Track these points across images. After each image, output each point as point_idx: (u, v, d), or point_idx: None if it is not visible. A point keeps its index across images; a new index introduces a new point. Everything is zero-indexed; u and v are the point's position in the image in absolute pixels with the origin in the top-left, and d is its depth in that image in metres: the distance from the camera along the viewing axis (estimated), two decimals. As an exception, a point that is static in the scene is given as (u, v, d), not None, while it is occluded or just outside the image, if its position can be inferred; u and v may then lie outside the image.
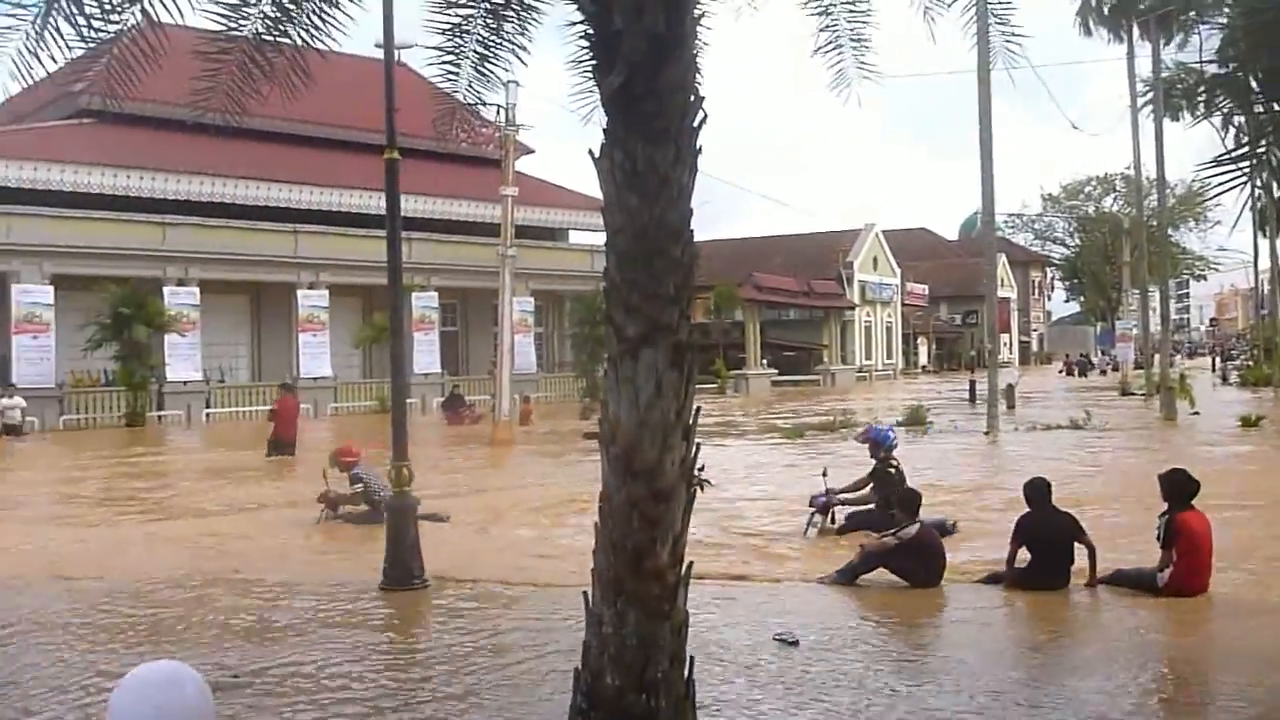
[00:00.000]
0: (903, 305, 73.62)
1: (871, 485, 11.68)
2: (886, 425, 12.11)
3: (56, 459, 24.65)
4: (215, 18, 5.92)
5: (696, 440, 4.85)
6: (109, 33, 5.31)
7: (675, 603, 4.73)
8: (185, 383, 37.11)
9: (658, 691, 4.63)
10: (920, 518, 9.32)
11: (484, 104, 8.07)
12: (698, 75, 5.02)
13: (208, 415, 36.81)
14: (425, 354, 43.29)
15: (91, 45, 5.34)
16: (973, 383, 37.38)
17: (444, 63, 7.15)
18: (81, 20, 5.07)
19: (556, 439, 26.13)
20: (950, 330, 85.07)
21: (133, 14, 5.31)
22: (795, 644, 7.07)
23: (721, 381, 50.51)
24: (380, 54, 10.25)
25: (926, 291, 78.28)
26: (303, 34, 6.27)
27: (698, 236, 4.93)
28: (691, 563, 4.87)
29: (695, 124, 4.80)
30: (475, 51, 7.17)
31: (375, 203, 34.74)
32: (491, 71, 7.36)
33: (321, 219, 41.73)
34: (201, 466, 22.12)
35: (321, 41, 6.34)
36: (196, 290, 38.08)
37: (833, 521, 11.74)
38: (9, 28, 4.95)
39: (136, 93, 5.83)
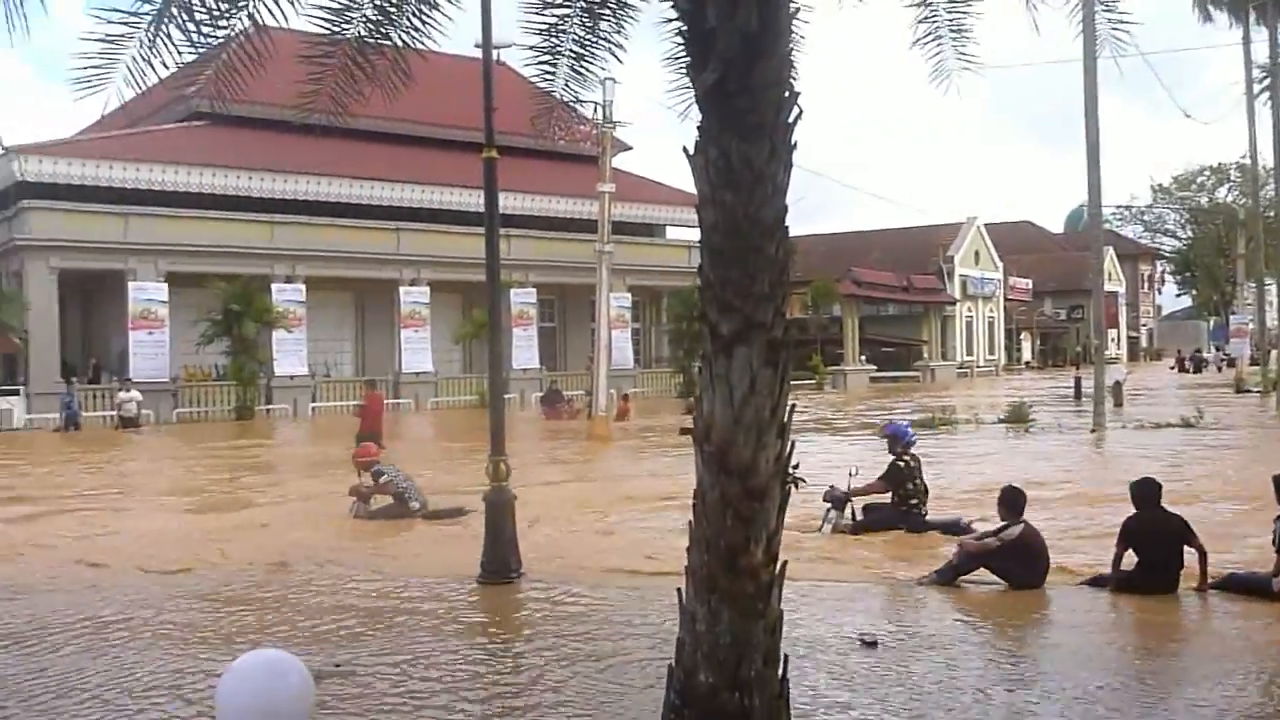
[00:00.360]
0: (1005, 300, 72.16)
1: (883, 477, 11.64)
2: (906, 422, 12.29)
3: (162, 450, 25.59)
4: (319, 22, 6.06)
5: (791, 437, 4.82)
6: (217, 38, 5.47)
7: (769, 601, 4.70)
8: (292, 377, 38.11)
9: (751, 690, 4.61)
10: (1024, 518, 9.13)
11: (580, 102, 8.12)
12: (793, 70, 4.99)
13: (313, 409, 37.71)
14: (524, 349, 43.76)
15: (201, 51, 5.51)
16: (1078, 379, 36.51)
17: (541, 62, 7.23)
18: (191, 27, 5.24)
19: (653, 435, 26.19)
20: (1055, 325, 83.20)
21: (239, 20, 5.46)
22: (874, 645, 7.01)
23: (819, 377, 50.12)
24: (479, 53, 10.36)
25: (1030, 286, 76.62)
26: (403, 36, 6.39)
27: (794, 231, 4.90)
28: (785, 562, 4.83)
29: (790, 120, 4.75)
30: (572, 51, 7.23)
31: (475, 200, 35.17)
32: (588, 70, 7.43)
33: (423, 217, 42.45)
34: (291, 459, 22.85)
35: (421, 43, 6.46)
36: (303, 287, 39.04)
37: (853, 518, 11.64)
38: (123, 36, 5.13)
39: (244, 95, 6.01)
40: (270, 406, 37.27)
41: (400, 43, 6.39)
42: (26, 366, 35.33)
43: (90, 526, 13.27)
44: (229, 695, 2.88)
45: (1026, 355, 77.89)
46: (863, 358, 55.90)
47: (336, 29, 6.18)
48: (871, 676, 6.41)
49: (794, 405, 4.85)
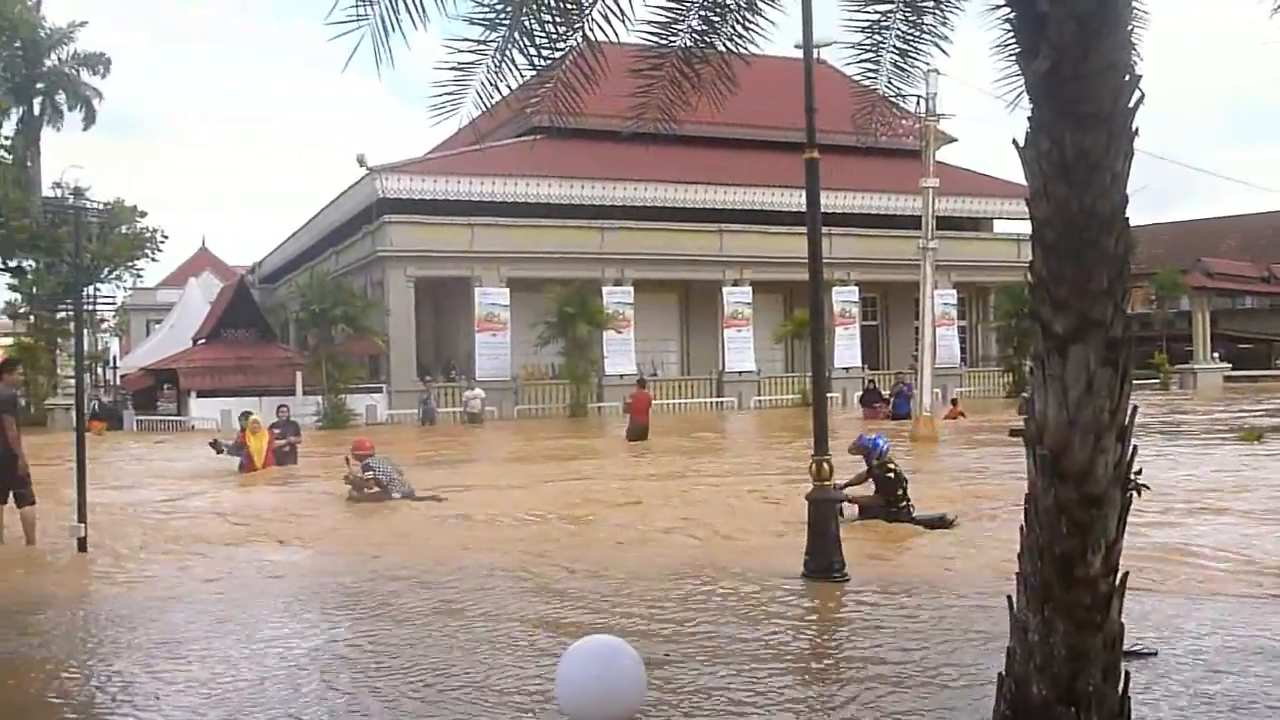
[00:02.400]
0: (1390, 290, 64.43)
1: (875, 489, 12.61)
2: (874, 435, 13.37)
3: (495, 443, 27.42)
4: (647, 36, 6.31)
5: (1133, 442, 4.56)
6: (555, 59, 5.82)
7: (1108, 614, 4.46)
8: (622, 376, 39.67)
9: (1089, 705, 4.40)
10: None
11: (903, 96, 7.99)
12: (1134, 52, 4.71)
13: (642, 407, 39.10)
14: (845, 348, 43.47)
15: (540, 70, 5.88)
16: None
17: (863, 60, 7.17)
18: (532, 50, 5.61)
19: (981, 435, 25.31)
20: None
21: (575, 40, 5.77)
22: (1154, 655, 6.54)
23: (1164, 377, 46.72)
24: (800, 54, 10.38)
25: None
26: (727, 44, 6.53)
27: (1138, 221, 4.63)
28: (1127, 573, 4.57)
29: (1130, 105, 4.49)
30: (894, 46, 7.13)
31: (795, 200, 35.28)
32: (911, 64, 7.29)
33: (744, 218, 43.03)
34: (577, 451, 24.38)
35: (745, 48, 6.57)
36: (631, 289, 40.58)
37: (841, 514, 11.81)
38: (473, 63, 5.56)
39: (578, 109, 6.34)
40: (601, 404, 38.95)
41: (724, 50, 6.54)
42: (388, 366, 38.79)
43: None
44: (569, 675, 3.07)
45: None
46: (1215, 355, 51.56)
47: (664, 42, 6.41)
48: (1224, 696, 5.93)
49: (1136, 407, 4.58)
